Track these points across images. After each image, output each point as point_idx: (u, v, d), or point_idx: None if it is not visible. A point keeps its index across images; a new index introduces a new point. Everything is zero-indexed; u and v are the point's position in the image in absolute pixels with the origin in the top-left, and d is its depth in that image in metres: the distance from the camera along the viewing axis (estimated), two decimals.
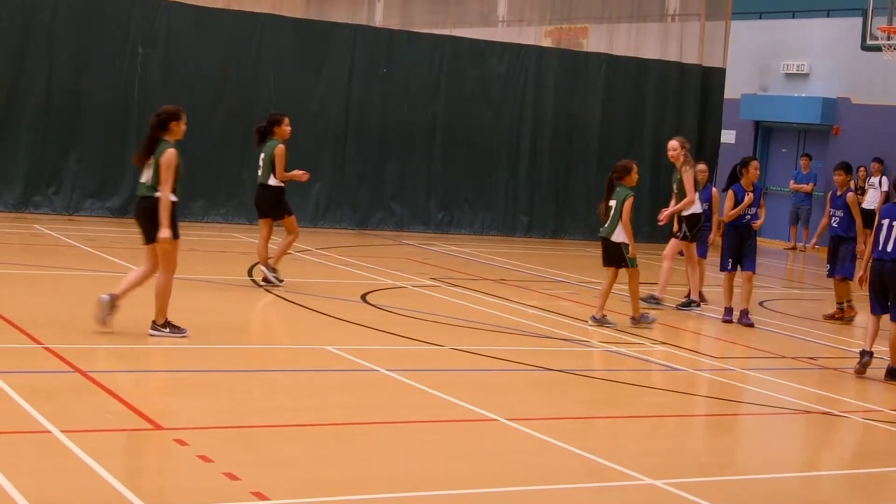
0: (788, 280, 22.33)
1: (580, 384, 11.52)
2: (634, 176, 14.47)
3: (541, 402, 10.64)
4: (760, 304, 17.56)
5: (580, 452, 8.78)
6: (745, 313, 15.42)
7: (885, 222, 12.50)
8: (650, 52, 27.30)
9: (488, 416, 9.64)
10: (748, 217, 15.55)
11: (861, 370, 12.60)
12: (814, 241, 16.82)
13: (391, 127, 23.83)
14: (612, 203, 14.32)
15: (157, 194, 11.51)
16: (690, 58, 27.37)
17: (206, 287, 15.01)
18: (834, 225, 16.48)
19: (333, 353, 11.63)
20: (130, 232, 19.75)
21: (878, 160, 26.63)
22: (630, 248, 14.31)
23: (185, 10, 22.13)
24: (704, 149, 27.35)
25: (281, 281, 15.29)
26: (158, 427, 8.41)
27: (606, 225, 14.42)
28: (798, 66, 29.10)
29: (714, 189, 17.27)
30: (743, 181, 15.62)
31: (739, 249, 15.59)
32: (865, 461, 9.73)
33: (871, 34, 23.18)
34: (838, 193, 16.55)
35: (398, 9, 30.39)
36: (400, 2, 30.48)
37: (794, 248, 27.83)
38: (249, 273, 16.06)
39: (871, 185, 26.61)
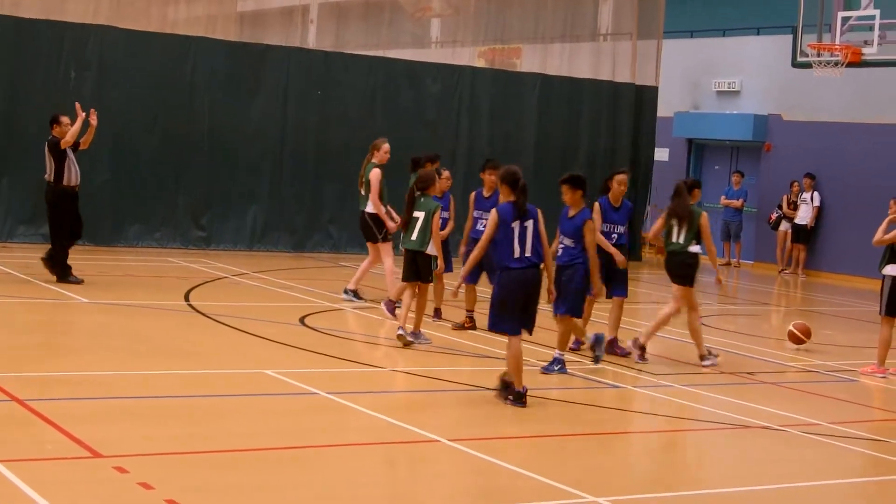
0: (722, 296, 22.49)
1: None
2: (438, 186, 14.23)
3: (482, 422, 10.64)
4: None
5: (522, 471, 8.78)
6: (613, 342, 14.24)
7: (517, 226, 10.96)
8: (583, 71, 27.48)
9: (430, 438, 9.63)
10: (615, 237, 14.09)
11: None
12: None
13: (327, 149, 23.80)
14: (418, 214, 13.85)
15: (691, 248, 13.81)
16: (623, 76, 27.58)
17: (143, 312, 14.89)
18: (479, 228, 14.74)
19: (273, 377, 11.57)
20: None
21: (810, 175, 26.98)
22: (439, 261, 13.92)
23: (117, 33, 21.97)
24: (639, 166, 27.56)
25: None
26: (98, 455, 8.31)
27: (415, 237, 13.80)
28: (730, 84, 29.42)
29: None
30: (610, 195, 14.28)
31: (607, 273, 13.86)
32: (805, 475, 9.81)
33: (801, 51, 23.47)
34: (486, 195, 15.33)
35: (331, 31, 30.31)
36: (333, 24, 30.43)
37: (727, 264, 28.06)
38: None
39: (804, 201, 26.97)
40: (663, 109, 28.53)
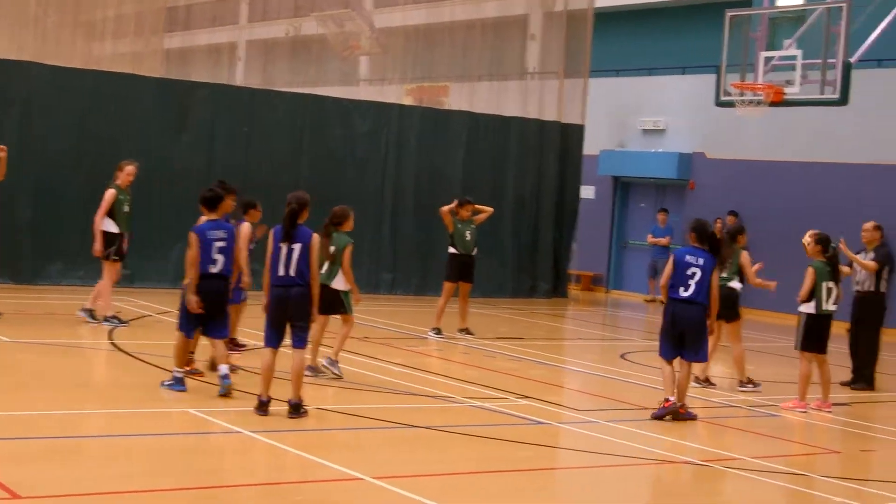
0: (648, 332, 22.61)
1: (446, 440, 11.55)
2: (351, 223, 14.12)
3: (407, 460, 10.64)
4: (622, 356, 17.79)
5: None
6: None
7: (284, 247, 11.77)
8: (510, 109, 27.68)
9: (355, 476, 9.61)
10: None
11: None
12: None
13: (254, 187, 23.60)
14: (332, 249, 13.93)
15: (731, 284, 15.32)
16: (550, 115, 27.80)
17: (65, 351, 14.75)
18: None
19: (196, 416, 11.50)
20: None
21: (734, 213, 27.28)
22: (354, 294, 14.08)
23: (43, 70, 21.81)
24: (564, 204, 27.77)
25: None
26: (16, 496, 8.22)
27: (323, 270, 13.67)
28: (655, 123, 29.74)
29: None
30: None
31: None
32: None
33: (724, 90, 23.74)
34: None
35: (259, 68, 30.40)
36: (260, 61, 30.50)
37: (653, 301, 28.27)
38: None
39: None
40: (589, 147, 28.76)
